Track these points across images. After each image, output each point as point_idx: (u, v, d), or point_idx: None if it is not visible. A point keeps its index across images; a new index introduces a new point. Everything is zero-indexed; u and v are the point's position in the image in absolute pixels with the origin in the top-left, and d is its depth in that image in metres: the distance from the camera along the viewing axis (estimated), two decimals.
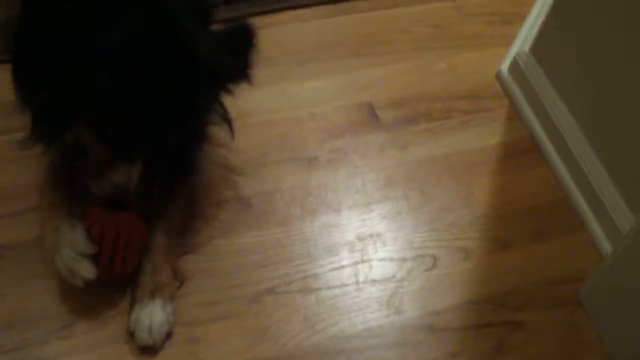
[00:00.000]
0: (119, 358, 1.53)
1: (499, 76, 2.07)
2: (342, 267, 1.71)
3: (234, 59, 1.52)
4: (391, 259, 1.73)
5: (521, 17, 2.19)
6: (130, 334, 1.54)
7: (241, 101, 1.77)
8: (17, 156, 1.61)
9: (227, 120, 1.71)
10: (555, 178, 1.89)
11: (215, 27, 1.58)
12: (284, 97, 1.98)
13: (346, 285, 1.68)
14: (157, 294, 1.55)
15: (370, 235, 1.76)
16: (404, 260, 1.73)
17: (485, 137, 1.96)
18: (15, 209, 1.70)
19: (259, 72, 1.98)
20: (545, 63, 1.94)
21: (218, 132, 1.75)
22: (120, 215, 1.52)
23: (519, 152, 1.95)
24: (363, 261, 1.72)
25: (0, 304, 1.57)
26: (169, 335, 1.55)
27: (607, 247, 1.76)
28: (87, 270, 1.50)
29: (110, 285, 1.58)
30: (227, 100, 1.64)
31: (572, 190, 1.85)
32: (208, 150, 1.74)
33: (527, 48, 2.01)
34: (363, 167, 1.87)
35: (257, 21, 2.05)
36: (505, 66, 2.06)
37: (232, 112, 1.71)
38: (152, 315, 1.52)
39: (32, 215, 1.68)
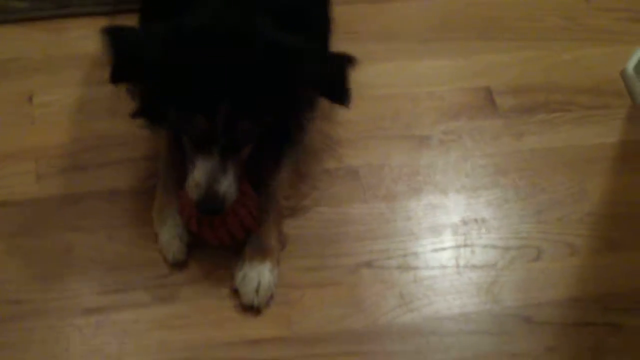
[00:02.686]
0: (215, 312, 1.56)
1: (623, 74, 2.00)
2: (444, 249, 1.69)
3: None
4: (494, 247, 1.70)
5: None
6: (235, 291, 1.56)
7: (358, 73, 1.77)
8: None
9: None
10: None
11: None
12: (402, 73, 1.96)
13: (446, 267, 1.67)
14: (268, 257, 1.56)
15: (475, 220, 1.73)
16: (507, 249, 1.70)
17: (603, 134, 1.91)
18: (131, 155, 1.74)
19: (379, 46, 2.00)
20: None
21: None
22: None
23: (636, 155, 1.88)
24: (465, 245, 1.70)
25: (107, 245, 1.61)
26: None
27: None
28: (179, 252, 1.57)
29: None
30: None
31: None
32: (317, 120, 1.73)
33: None
34: (475, 151, 1.84)
35: None
36: (631, 65, 1.99)
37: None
38: (261, 276, 1.54)
39: (146, 163, 1.72)
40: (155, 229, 1.60)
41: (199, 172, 1.43)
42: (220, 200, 1.43)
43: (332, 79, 1.45)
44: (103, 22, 1.91)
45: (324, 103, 1.63)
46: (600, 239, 1.74)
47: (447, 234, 1.71)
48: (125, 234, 1.63)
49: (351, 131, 1.84)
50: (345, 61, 1.44)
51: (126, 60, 1.40)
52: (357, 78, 1.67)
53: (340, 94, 1.47)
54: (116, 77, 1.44)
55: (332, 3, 1.72)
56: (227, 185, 1.44)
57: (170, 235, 1.57)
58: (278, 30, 1.40)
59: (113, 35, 1.40)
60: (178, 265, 1.58)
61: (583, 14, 2.13)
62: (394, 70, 1.96)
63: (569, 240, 1.72)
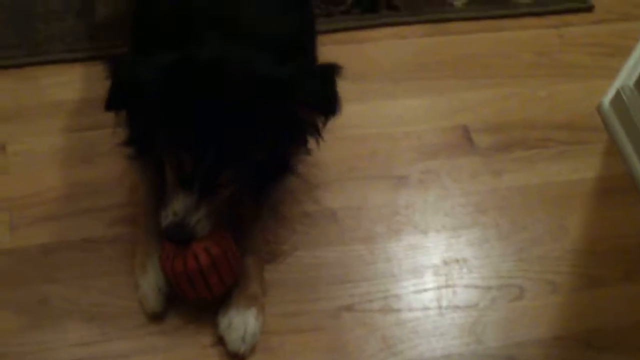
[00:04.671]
0: None
1: (600, 109, 2.01)
2: (425, 290, 1.68)
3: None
4: (476, 287, 1.69)
5: (627, 50, 2.12)
6: (219, 338, 1.53)
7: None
8: (110, 151, 1.61)
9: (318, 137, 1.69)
10: None
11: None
12: (377, 113, 1.95)
13: (428, 309, 1.65)
14: (253, 303, 1.54)
15: (457, 260, 1.72)
16: (489, 288, 1.69)
17: (581, 170, 1.90)
18: (104, 204, 1.71)
19: (353, 86, 1.97)
20: None
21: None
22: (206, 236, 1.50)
23: (615, 190, 1.88)
24: (447, 286, 1.68)
25: (83, 296, 1.58)
26: None
27: None
28: (157, 304, 1.54)
29: None
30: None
31: None
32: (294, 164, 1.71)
33: (631, 82, 1.95)
34: (454, 190, 1.83)
35: (355, 35, 2.08)
36: (607, 99, 2.00)
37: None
38: (247, 323, 1.51)
39: (120, 212, 1.69)
40: (136, 279, 1.57)
41: (174, 203, 1.43)
42: (189, 230, 1.43)
43: (326, 95, 1.45)
44: (75, 69, 1.91)
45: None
46: (581, 276, 1.73)
47: (429, 274, 1.70)
48: (101, 283, 1.60)
49: (328, 172, 1.83)
50: (333, 71, 1.46)
51: (125, 87, 1.39)
52: (333, 120, 1.67)
53: (333, 105, 1.47)
54: (112, 104, 1.43)
55: None
56: (198, 219, 1.43)
57: (149, 286, 1.54)
58: (276, 64, 1.40)
59: (115, 61, 1.41)
60: (156, 317, 1.55)
61: (556, 50, 2.14)
62: (369, 110, 1.95)
63: (550, 278, 1.71)
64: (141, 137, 1.49)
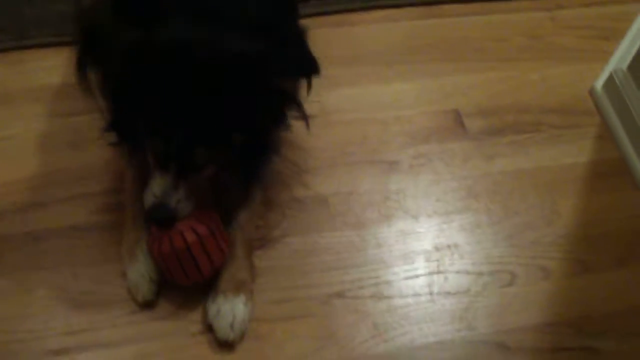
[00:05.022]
0: (187, 349, 1.51)
1: (592, 92, 1.99)
2: (417, 276, 1.66)
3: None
4: (467, 272, 1.68)
5: (619, 33, 2.10)
6: (208, 326, 1.51)
7: (325, 98, 1.75)
8: (97, 137, 1.59)
9: (304, 117, 1.67)
10: None
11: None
12: (369, 97, 1.94)
13: (419, 295, 1.64)
14: (242, 290, 1.52)
15: (448, 246, 1.71)
16: (480, 274, 1.67)
17: (573, 154, 1.89)
18: (92, 189, 1.70)
19: (344, 70, 1.98)
20: None
21: (296, 128, 1.70)
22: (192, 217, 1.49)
23: (608, 174, 1.87)
24: (439, 272, 1.67)
25: (73, 284, 1.57)
26: None
27: None
28: (149, 292, 1.53)
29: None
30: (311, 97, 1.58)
31: None
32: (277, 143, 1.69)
33: (624, 66, 1.93)
34: (446, 175, 1.82)
35: (346, 18, 2.06)
36: (599, 83, 1.98)
37: (315, 109, 1.63)
38: (235, 310, 1.50)
39: (108, 199, 1.68)
40: (124, 267, 1.55)
41: (154, 185, 1.43)
42: (170, 211, 1.43)
43: (300, 58, 1.46)
44: (63, 53, 1.88)
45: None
46: (573, 262, 1.71)
47: (420, 260, 1.68)
48: (90, 271, 1.59)
49: (318, 158, 1.81)
50: (302, 34, 1.49)
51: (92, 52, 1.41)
52: (324, 104, 1.66)
53: (310, 66, 1.47)
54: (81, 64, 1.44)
55: None
56: (178, 200, 1.43)
57: (139, 274, 1.52)
58: (245, 40, 1.37)
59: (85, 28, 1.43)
60: (147, 305, 1.54)
61: (549, 33, 2.13)
62: (360, 94, 1.94)
63: (543, 264, 1.70)
64: (121, 121, 1.48)
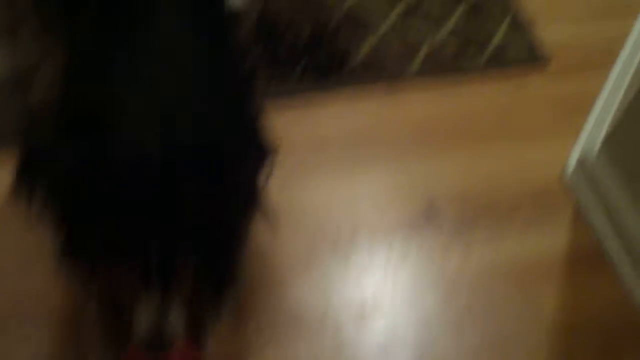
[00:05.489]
0: None
1: (564, 174, 1.96)
2: None
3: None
4: None
5: (587, 103, 2.07)
6: None
7: (290, 191, 1.68)
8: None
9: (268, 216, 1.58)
10: (625, 295, 1.77)
11: None
12: (337, 189, 1.87)
13: None
14: None
15: (431, 357, 1.65)
16: None
17: (551, 240, 1.85)
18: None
19: (311, 158, 1.91)
20: (617, 164, 1.83)
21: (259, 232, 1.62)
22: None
23: (586, 260, 1.83)
24: None
25: None
26: None
27: None
28: None
29: None
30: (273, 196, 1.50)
31: None
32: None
33: (595, 146, 1.90)
34: (424, 270, 1.77)
35: (309, 101, 2.01)
36: (571, 164, 1.95)
37: (280, 204, 1.54)
38: None
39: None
40: None
41: (143, 311, 1.31)
42: (169, 334, 1.32)
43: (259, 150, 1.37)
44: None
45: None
46: (558, 356, 1.67)
47: None
48: None
49: (287, 264, 1.73)
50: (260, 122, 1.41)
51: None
52: (290, 198, 1.58)
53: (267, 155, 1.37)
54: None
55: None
56: (173, 319, 1.32)
57: None
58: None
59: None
60: None
61: (517, 110, 2.08)
62: (330, 187, 1.87)
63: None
64: (76, 247, 1.34)
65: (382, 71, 2.09)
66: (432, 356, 1.64)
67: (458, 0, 2.29)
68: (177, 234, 1.26)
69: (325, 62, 2.09)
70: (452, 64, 2.13)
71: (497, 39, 2.20)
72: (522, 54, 2.18)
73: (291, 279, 1.72)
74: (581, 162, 1.91)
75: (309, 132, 1.96)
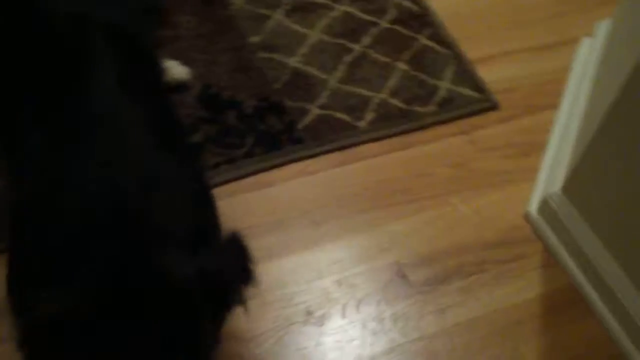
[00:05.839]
0: None
1: (528, 218, 1.93)
2: None
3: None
4: None
5: (539, 146, 2.07)
6: None
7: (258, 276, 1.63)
8: None
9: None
10: (606, 332, 1.75)
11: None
12: (303, 266, 1.82)
13: None
14: None
15: None
16: None
17: (524, 290, 1.82)
18: None
19: (273, 238, 1.86)
20: (580, 204, 1.81)
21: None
22: None
23: (562, 304, 1.81)
24: None
25: None
26: None
27: None
28: None
29: None
30: None
31: (627, 346, 1.71)
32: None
33: (555, 185, 1.88)
34: (401, 339, 1.72)
35: (261, 179, 1.95)
36: (533, 206, 1.92)
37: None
38: None
39: None
40: None
41: None
42: None
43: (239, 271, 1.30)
44: None
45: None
46: None
47: None
48: None
49: (261, 350, 1.68)
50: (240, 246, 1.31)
51: None
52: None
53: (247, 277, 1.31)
54: None
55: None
56: None
57: None
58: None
59: None
60: None
61: (471, 158, 2.06)
62: (295, 264, 1.82)
63: None
64: None
65: (333, 134, 2.05)
66: None
67: (401, 51, 2.27)
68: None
69: (273, 131, 2.04)
70: (401, 118, 2.11)
71: (443, 89, 2.18)
72: (470, 101, 2.17)
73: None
74: (544, 204, 1.89)
75: (264, 214, 1.91)
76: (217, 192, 1.76)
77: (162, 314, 1.17)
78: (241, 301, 1.31)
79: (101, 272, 1.18)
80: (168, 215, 1.28)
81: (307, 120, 2.08)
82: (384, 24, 2.35)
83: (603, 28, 2.29)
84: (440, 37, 2.32)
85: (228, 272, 1.28)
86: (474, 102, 2.17)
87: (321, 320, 1.73)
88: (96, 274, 1.18)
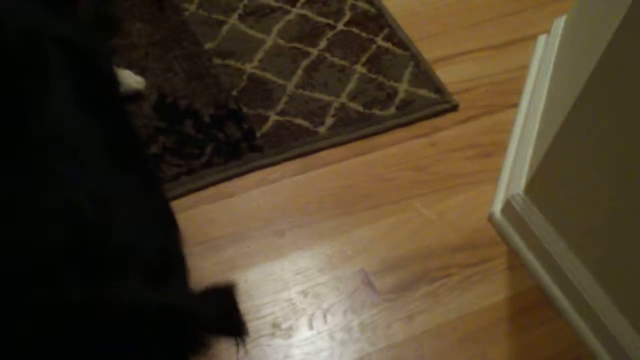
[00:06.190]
0: None
1: (492, 220, 1.92)
2: None
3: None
4: None
5: (500, 147, 2.06)
6: None
7: None
8: None
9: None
10: (574, 333, 1.75)
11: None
12: (269, 277, 1.79)
13: None
14: None
15: None
16: None
17: (490, 293, 1.81)
18: None
19: (234, 250, 1.84)
20: (543, 204, 1.80)
21: None
22: None
23: (530, 307, 1.80)
24: None
25: None
26: None
27: None
28: None
29: None
30: None
31: (594, 346, 1.71)
32: None
33: (518, 186, 1.87)
34: (369, 348, 1.70)
35: (222, 189, 1.92)
36: (497, 208, 1.92)
37: None
38: None
39: None
40: None
41: None
42: None
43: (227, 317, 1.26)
44: None
45: None
46: None
47: None
48: None
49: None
50: (230, 292, 1.25)
51: None
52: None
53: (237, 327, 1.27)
54: None
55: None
56: None
57: None
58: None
59: None
60: None
61: (432, 161, 2.04)
62: (259, 276, 1.79)
63: None
64: None
65: (293, 141, 2.03)
66: None
67: (358, 54, 2.25)
68: None
69: (232, 140, 2.01)
70: (361, 122, 2.09)
71: (402, 91, 2.16)
72: (430, 103, 2.15)
73: None
74: (507, 206, 1.88)
75: (226, 225, 1.88)
76: (177, 204, 1.77)
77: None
78: (207, 347, 1.27)
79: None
80: (128, 237, 1.24)
81: (266, 127, 2.04)
82: (340, 26, 2.32)
83: (559, 24, 2.29)
84: (397, 39, 2.30)
85: (202, 312, 1.25)
86: (434, 103, 2.16)
87: (289, 332, 1.71)
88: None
